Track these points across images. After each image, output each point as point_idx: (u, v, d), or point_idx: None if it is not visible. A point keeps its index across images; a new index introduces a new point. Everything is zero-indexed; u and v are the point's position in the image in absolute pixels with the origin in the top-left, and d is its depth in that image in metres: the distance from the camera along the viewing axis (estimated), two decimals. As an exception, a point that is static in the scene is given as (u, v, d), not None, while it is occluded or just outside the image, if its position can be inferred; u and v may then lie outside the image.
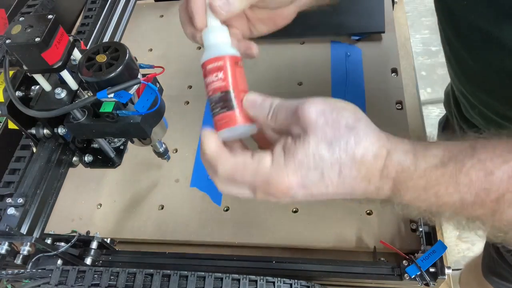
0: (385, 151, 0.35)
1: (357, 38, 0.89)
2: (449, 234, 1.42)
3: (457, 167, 0.33)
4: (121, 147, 0.62)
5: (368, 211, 0.67)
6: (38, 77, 0.49)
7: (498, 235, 0.35)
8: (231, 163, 0.36)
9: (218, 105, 0.38)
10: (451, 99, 0.78)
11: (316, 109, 0.35)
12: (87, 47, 0.67)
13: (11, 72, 0.52)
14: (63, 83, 0.51)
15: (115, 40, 0.76)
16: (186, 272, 0.50)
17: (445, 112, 0.90)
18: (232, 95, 0.38)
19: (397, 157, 0.35)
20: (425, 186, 0.34)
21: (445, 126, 0.95)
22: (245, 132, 0.39)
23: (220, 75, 0.37)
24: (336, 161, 0.34)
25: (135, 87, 0.47)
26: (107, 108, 0.48)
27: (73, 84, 0.51)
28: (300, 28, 0.94)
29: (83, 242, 0.61)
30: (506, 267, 0.83)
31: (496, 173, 0.32)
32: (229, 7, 0.38)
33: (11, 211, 0.50)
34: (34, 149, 0.56)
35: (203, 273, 0.50)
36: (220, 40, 0.39)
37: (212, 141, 0.37)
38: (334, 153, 0.34)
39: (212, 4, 0.38)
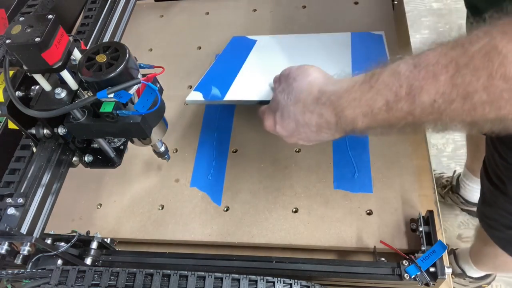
0: (316, 89, 0.48)
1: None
2: (449, 234, 1.42)
3: (374, 78, 0.42)
4: (121, 147, 0.61)
5: (368, 211, 0.67)
6: (38, 77, 0.49)
7: (445, 126, 0.40)
8: None
9: None
10: None
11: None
12: (87, 47, 0.67)
13: (11, 72, 0.52)
14: (63, 83, 0.51)
15: (115, 40, 0.76)
16: (186, 272, 0.50)
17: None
18: None
19: (327, 89, 0.47)
20: (356, 97, 0.43)
21: None
22: None
23: None
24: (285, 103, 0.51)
25: (135, 87, 0.47)
26: (107, 108, 0.48)
27: (73, 84, 0.51)
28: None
29: (83, 242, 0.61)
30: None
31: (401, 71, 0.39)
32: None
33: (11, 211, 0.50)
34: (34, 149, 0.56)
35: (203, 273, 0.50)
36: None
37: None
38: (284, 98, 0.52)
39: None
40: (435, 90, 0.37)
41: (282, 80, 0.55)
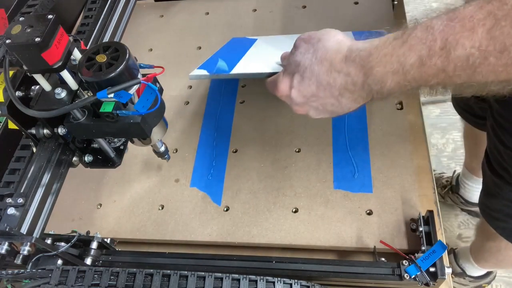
0: (345, 47, 0.46)
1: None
2: (449, 234, 1.42)
3: (406, 34, 0.41)
4: (121, 147, 0.62)
5: (368, 211, 0.67)
6: (38, 77, 0.49)
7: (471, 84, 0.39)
8: None
9: None
10: None
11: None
12: (87, 47, 0.67)
13: (11, 72, 0.52)
14: (63, 83, 0.51)
15: (115, 40, 0.76)
16: (186, 272, 0.50)
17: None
18: None
19: (357, 46, 0.45)
20: (387, 53, 0.42)
21: None
22: None
23: None
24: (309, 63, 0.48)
25: (135, 87, 0.47)
26: (107, 108, 0.48)
27: (73, 84, 0.51)
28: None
29: (83, 242, 0.61)
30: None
31: (434, 26, 0.39)
32: None
33: (11, 211, 0.50)
34: (34, 149, 0.56)
35: (203, 273, 0.50)
36: None
37: None
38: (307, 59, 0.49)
39: None
40: (471, 44, 0.36)
41: (301, 44, 0.51)
